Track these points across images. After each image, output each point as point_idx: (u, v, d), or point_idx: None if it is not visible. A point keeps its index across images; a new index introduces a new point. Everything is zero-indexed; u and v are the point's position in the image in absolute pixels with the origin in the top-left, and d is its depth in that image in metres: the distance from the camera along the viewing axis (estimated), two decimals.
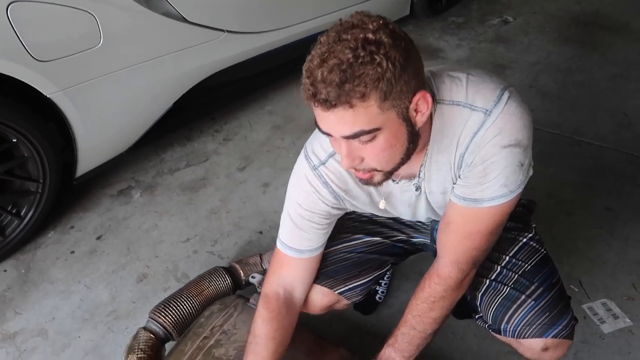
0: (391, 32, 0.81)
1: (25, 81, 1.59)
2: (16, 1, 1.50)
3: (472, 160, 0.95)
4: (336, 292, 1.24)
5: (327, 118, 0.83)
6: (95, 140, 1.89)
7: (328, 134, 0.88)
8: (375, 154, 0.88)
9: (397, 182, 1.06)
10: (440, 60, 2.98)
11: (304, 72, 0.84)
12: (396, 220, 1.32)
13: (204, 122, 2.51)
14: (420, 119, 0.88)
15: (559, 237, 1.84)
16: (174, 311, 1.38)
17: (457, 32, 3.31)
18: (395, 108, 0.83)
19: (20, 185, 1.80)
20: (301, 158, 1.10)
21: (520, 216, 1.26)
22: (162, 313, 1.38)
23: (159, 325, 1.37)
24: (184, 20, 1.98)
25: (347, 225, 1.31)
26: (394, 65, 0.79)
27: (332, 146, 0.96)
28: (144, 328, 1.38)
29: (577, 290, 1.67)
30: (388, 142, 0.87)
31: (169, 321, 1.37)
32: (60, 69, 1.65)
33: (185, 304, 1.40)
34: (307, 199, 1.09)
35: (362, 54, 0.78)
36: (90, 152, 1.90)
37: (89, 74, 1.74)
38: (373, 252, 1.29)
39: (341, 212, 1.16)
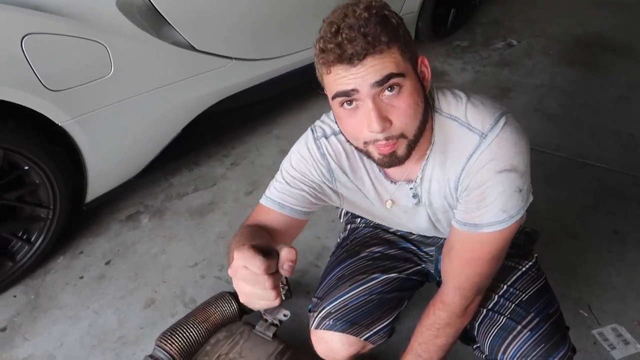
0: (389, 8, 0.88)
1: (38, 110, 1.62)
2: (31, 33, 1.55)
3: (468, 184, 0.96)
4: (362, 339, 1.21)
5: (355, 73, 0.84)
6: (105, 167, 1.92)
7: (353, 91, 0.85)
8: (402, 110, 0.87)
9: (396, 184, 1.06)
10: (445, 83, 3.01)
11: (320, 44, 0.85)
12: (402, 238, 1.32)
13: (212, 147, 2.54)
14: (426, 85, 0.93)
15: (566, 261, 1.83)
16: (180, 338, 1.39)
17: (461, 55, 3.35)
18: (411, 62, 0.88)
19: (31, 212, 1.82)
20: (308, 131, 1.10)
21: (521, 244, 1.26)
22: (169, 340, 1.38)
23: (166, 353, 1.37)
24: (193, 48, 2.02)
25: (362, 265, 1.30)
26: (401, 23, 0.87)
27: (351, 124, 0.90)
28: (151, 356, 1.38)
29: (586, 315, 1.66)
30: (411, 96, 0.87)
31: (175, 348, 1.38)
32: (71, 98, 1.69)
33: (191, 331, 1.40)
34: (301, 163, 1.06)
35: (374, 11, 0.84)
36: (100, 178, 1.93)
37: (100, 103, 1.78)
38: (391, 290, 1.27)
39: (330, 195, 1.10)
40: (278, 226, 1.05)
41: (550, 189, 2.16)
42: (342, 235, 1.46)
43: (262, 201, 1.08)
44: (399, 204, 1.10)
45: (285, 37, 2.40)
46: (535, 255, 1.29)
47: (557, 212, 2.05)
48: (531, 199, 1.01)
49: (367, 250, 1.32)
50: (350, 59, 0.82)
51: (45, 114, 1.64)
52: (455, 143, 0.95)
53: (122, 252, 2.00)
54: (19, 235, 1.83)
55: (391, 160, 0.92)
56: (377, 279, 1.27)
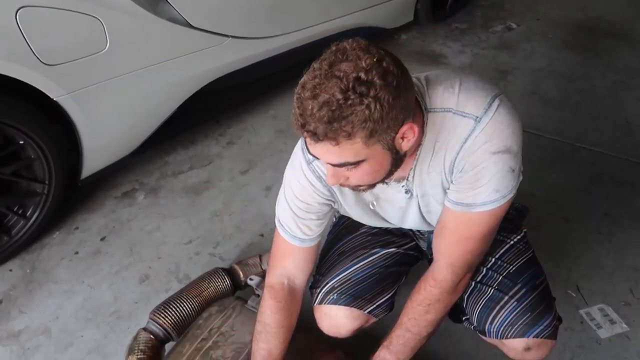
0: (384, 70, 0.82)
1: (33, 84, 1.62)
2: (25, 6, 1.54)
3: (463, 166, 0.97)
4: (366, 312, 1.25)
5: (315, 147, 0.87)
6: (101, 143, 1.92)
7: (316, 157, 0.92)
8: (359, 177, 0.94)
9: (388, 184, 1.07)
10: (443, 66, 3.00)
11: (295, 99, 0.86)
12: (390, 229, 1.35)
13: (208, 126, 2.54)
14: (406, 145, 0.92)
15: (558, 242, 1.85)
16: (173, 312, 1.41)
17: (460, 38, 3.33)
18: (381, 142, 0.87)
19: (27, 187, 1.83)
20: (298, 149, 1.13)
21: (511, 219, 1.28)
22: (162, 314, 1.40)
23: (159, 326, 1.39)
24: (189, 25, 2.01)
25: (362, 240, 1.34)
26: (382, 106, 0.81)
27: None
28: (144, 329, 1.40)
29: (574, 295, 1.68)
30: (372, 168, 0.92)
31: (168, 322, 1.40)
32: (67, 73, 1.69)
33: (185, 305, 1.42)
34: (304, 192, 1.12)
35: (352, 96, 0.79)
36: (96, 155, 1.93)
37: (95, 78, 1.78)
38: (391, 264, 1.31)
39: (333, 207, 1.19)
40: (305, 263, 1.21)
41: (546, 172, 2.18)
42: (337, 215, 1.48)
43: (281, 232, 1.19)
44: (390, 201, 1.13)
45: (281, 16, 2.38)
46: (524, 230, 1.31)
47: (551, 195, 2.06)
48: (521, 178, 1.03)
49: (365, 226, 1.34)
50: (311, 134, 0.84)
51: (40, 88, 1.64)
52: (449, 131, 0.97)
53: (117, 228, 2.02)
54: (15, 209, 1.84)
55: (356, 190, 1.03)
56: (377, 253, 1.31)
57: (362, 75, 0.80)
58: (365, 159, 0.88)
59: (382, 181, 0.99)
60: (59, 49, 1.66)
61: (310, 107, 0.82)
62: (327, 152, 0.86)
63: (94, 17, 1.69)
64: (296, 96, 0.85)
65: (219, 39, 2.14)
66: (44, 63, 1.62)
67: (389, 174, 0.97)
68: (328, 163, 0.91)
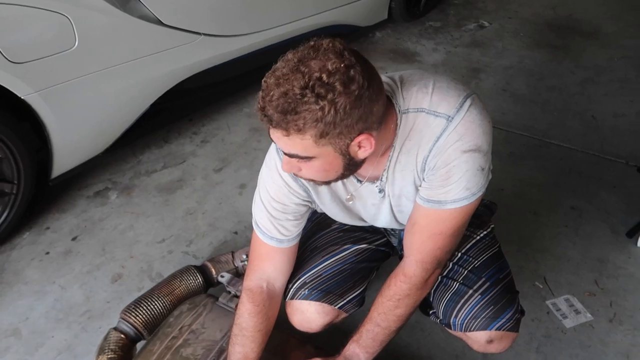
0: (348, 78, 0.83)
1: (0, 83, 1.60)
2: None
3: (435, 164, 0.99)
4: (336, 307, 1.26)
5: (270, 130, 0.89)
6: (71, 142, 1.90)
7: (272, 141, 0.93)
8: (310, 172, 0.96)
9: (362, 183, 1.09)
10: (416, 64, 3.03)
11: (262, 81, 0.88)
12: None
13: (182, 124, 2.53)
14: (362, 154, 0.93)
15: (526, 236, 1.89)
16: (144, 311, 1.40)
17: (434, 36, 3.37)
18: (333, 145, 0.88)
19: None
20: (272, 149, 1.13)
21: (479, 214, 1.31)
22: (133, 313, 1.39)
23: (130, 325, 1.38)
24: (160, 23, 2.00)
25: (333, 237, 1.35)
26: (337, 111, 0.82)
27: None
28: (115, 328, 1.39)
29: (541, 287, 1.72)
30: (322, 167, 0.94)
31: (139, 321, 1.39)
32: (34, 71, 1.67)
33: (156, 304, 1.42)
34: (279, 192, 1.13)
35: (309, 94, 0.81)
36: (66, 154, 1.91)
37: (64, 76, 1.76)
38: (362, 260, 1.33)
39: (312, 206, 1.19)
40: (284, 264, 1.22)
41: (515, 168, 2.22)
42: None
43: (258, 234, 1.18)
44: (363, 199, 1.14)
45: (254, 14, 2.39)
46: (492, 225, 1.34)
47: (520, 190, 2.11)
48: (490, 176, 1.05)
49: (337, 222, 1.35)
50: (267, 119, 0.86)
51: (7, 87, 1.62)
52: (422, 131, 0.98)
53: (89, 228, 2.00)
54: None
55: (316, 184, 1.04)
56: (348, 249, 1.32)
57: (325, 77, 0.81)
58: (315, 156, 0.90)
59: (337, 180, 1.01)
60: (26, 46, 1.64)
61: (271, 94, 0.84)
62: (279, 139, 0.89)
63: (61, 14, 1.67)
64: (264, 79, 0.87)
65: (191, 36, 2.13)
66: (10, 61, 1.60)
67: (342, 176, 0.99)
68: (281, 150, 0.93)
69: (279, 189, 1.12)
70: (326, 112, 0.82)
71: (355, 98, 0.83)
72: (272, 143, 1.13)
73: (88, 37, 1.76)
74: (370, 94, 0.86)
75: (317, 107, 0.82)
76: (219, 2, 2.21)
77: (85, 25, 1.74)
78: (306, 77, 0.82)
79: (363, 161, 0.97)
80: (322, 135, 0.85)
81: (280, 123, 0.84)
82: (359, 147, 0.91)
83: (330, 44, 0.85)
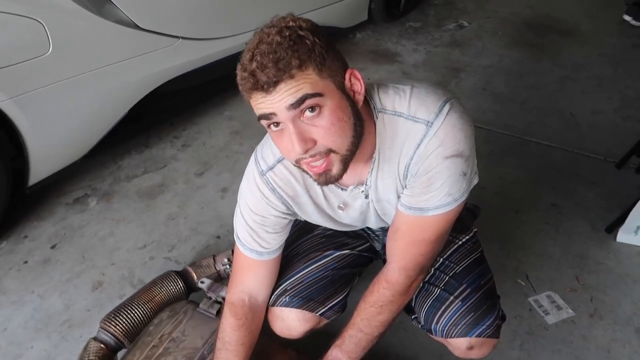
0: (314, 26, 0.88)
1: None
2: None
3: (416, 171, 0.98)
4: (318, 315, 1.25)
5: (271, 99, 0.85)
6: (47, 149, 1.87)
7: (272, 115, 0.86)
8: (326, 129, 0.88)
9: (346, 190, 1.08)
10: (397, 64, 3.05)
11: (238, 70, 0.86)
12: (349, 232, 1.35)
13: (163, 129, 2.51)
14: (358, 98, 0.92)
15: (508, 234, 1.91)
16: (124, 319, 1.38)
17: (414, 36, 3.38)
18: (332, 78, 0.87)
19: None
20: (252, 161, 1.12)
21: (461, 218, 1.30)
22: (113, 322, 1.37)
23: (110, 335, 1.36)
24: (137, 27, 1.98)
25: (315, 242, 1.34)
26: (320, 39, 0.85)
27: (280, 145, 0.92)
28: (95, 338, 1.37)
29: (524, 284, 1.73)
30: (334, 114, 0.87)
31: (119, 330, 1.37)
32: (8, 77, 1.64)
33: (136, 311, 1.40)
34: (258, 204, 1.11)
35: (287, 33, 0.84)
36: (43, 161, 1.88)
37: (39, 82, 1.73)
38: (344, 266, 1.32)
39: (294, 217, 1.17)
40: (266, 277, 1.20)
41: (496, 166, 2.23)
42: None
43: (240, 247, 1.16)
44: (352, 206, 1.13)
45: (233, 16, 2.37)
46: (475, 230, 1.33)
47: (501, 188, 2.12)
48: (476, 181, 1.04)
49: (320, 227, 1.34)
50: (263, 87, 0.83)
51: None
52: (402, 137, 0.97)
53: (68, 235, 1.97)
54: None
55: (327, 179, 0.94)
56: (330, 255, 1.31)
57: (291, 22, 0.86)
58: (322, 92, 0.85)
59: (352, 149, 0.93)
60: None
61: (255, 63, 0.83)
62: (285, 93, 0.84)
63: (34, 19, 1.64)
64: (239, 67, 0.86)
65: (169, 40, 2.11)
66: None
67: (356, 133, 0.92)
68: (287, 108, 0.85)
69: (257, 201, 1.10)
70: (312, 41, 0.84)
71: (324, 36, 0.87)
72: (252, 156, 1.12)
73: (62, 42, 1.73)
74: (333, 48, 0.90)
75: (303, 39, 0.84)
76: (197, 5, 2.19)
77: (59, 31, 1.71)
78: (276, 27, 0.85)
79: (362, 117, 0.94)
80: (321, 65, 0.85)
81: (279, 72, 0.82)
82: (352, 90, 0.91)
83: (284, 17, 0.89)
